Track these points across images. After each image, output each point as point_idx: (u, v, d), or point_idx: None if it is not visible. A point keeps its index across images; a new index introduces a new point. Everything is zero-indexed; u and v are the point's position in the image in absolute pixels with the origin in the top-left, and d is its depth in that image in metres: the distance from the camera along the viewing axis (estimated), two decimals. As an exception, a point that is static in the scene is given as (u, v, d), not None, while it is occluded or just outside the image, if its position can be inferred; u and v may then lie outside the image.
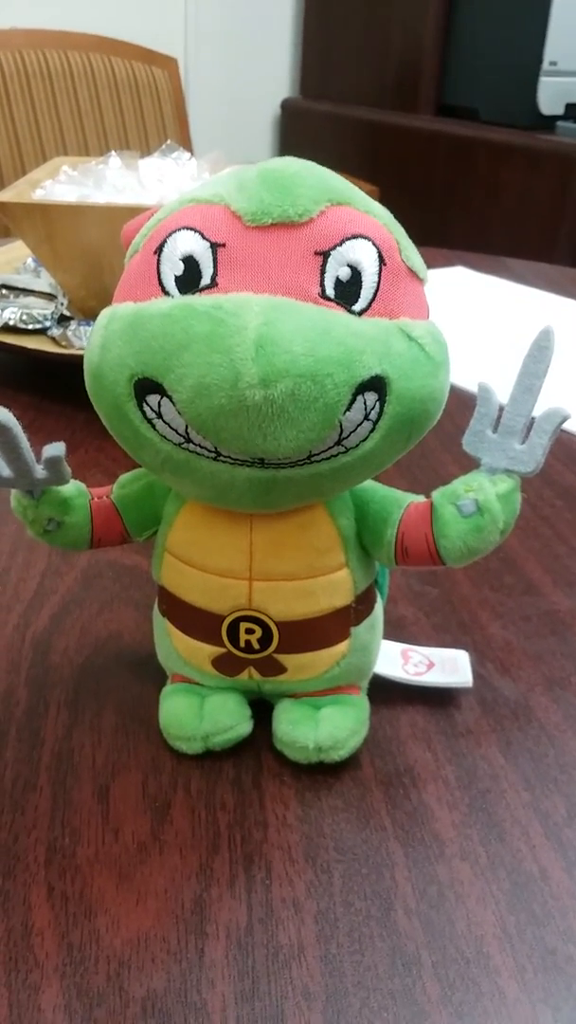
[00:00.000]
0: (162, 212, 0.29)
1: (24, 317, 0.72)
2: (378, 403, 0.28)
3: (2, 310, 0.72)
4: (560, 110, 1.86)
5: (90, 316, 0.73)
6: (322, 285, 0.27)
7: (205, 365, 0.26)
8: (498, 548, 0.32)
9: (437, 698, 0.40)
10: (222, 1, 2.20)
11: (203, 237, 0.27)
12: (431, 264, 1.18)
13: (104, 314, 0.29)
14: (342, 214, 0.28)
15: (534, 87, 1.81)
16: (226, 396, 0.26)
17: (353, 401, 0.27)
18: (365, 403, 0.27)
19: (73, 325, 0.71)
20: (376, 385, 0.27)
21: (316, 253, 0.27)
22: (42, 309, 0.73)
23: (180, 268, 0.27)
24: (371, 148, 2.08)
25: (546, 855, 0.33)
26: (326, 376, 0.26)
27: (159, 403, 0.27)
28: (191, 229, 0.27)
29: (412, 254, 0.29)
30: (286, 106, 2.36)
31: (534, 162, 1.75)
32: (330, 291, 0.27)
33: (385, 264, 0.28)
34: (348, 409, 0.27)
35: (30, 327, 0.72)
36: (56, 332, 0.71)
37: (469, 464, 0.32)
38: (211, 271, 0.27)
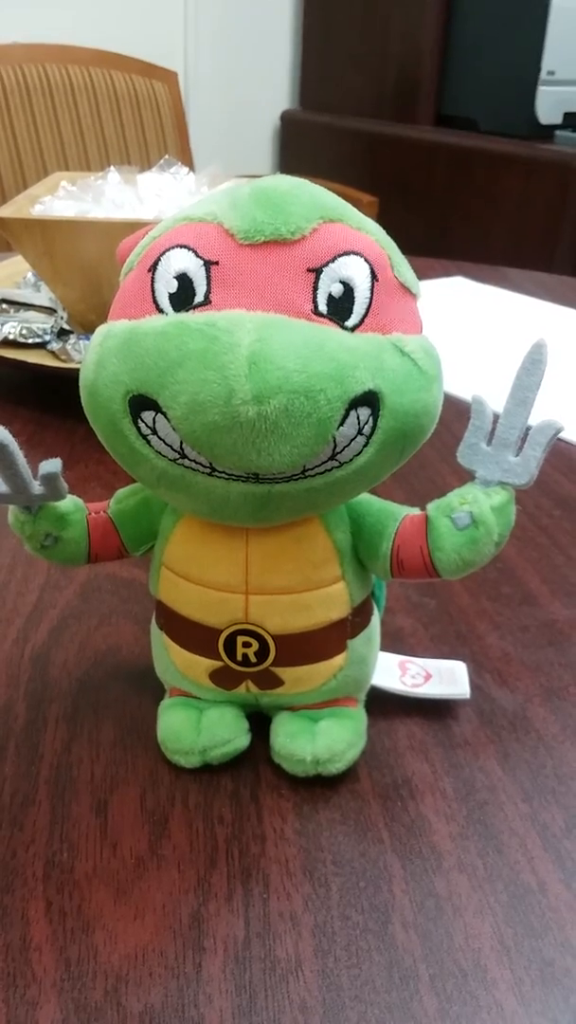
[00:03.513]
0: (156, 230, 0.30)
1: (24, 331, 0.72)
2: (371, 418, 0.28)
3: (2, 324, 0.73)
4: (558, 119, 1.86)
5: (89, 330, 0.73)
6: (315, 301, 0.27)
7: (199, 382, 0.26)
8: (496, 558, 0.32)
9: (435, 710, 0.40)
10: (221, 14, 2.21)
11: (196, 255, 0.27)
12: (430, 274, 1.18)
13: (99, 332, 0.29)
14: (334, 231, 0.28)
15: (532, 97, 1.82)
16: (220, 412, 0.26)
17: (346, 416, 0.27)
18: (358, 418, 0.27)
19: (72, 339, 0.72)
20: (369, 400, 0.27)
21: (309, 270, 0.27)
22: (42, 323, 0.74)
23: (174, 286, 0.28)
24: (370, 159, 2.09)
25: (544, 867, 0.33)
26: (319, 392, 0.26)
27: (154, 419, 0.28)
28: (185, 247, 0.28)
29: (404, 269, 0.30)
30: (285, 118, 2.37)
31: (533, 171, 1.75)
32: (323, 307, 0.27)
33: (377, 280, 0.28)
34: (341, 424, 0.27)
35: (30, 341, 0.72)
36: (56, 346, 0.71)
37: (466, 475, 0.32)
38: (204, 289, 0.27)
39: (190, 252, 0.28)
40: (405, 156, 2.00)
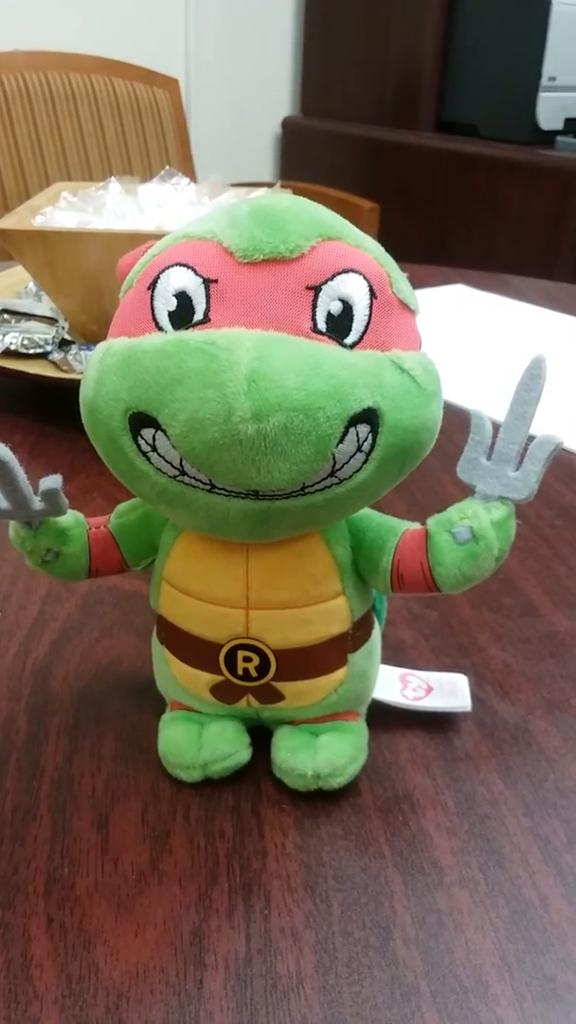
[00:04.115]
0: (155, 248, 0.30)
1: (25, 342, 0.72)
2: (370, 435, 0.28)
3: (3, 335, 0.73)
4: (559, 125, 1.87)
5: (91, 340, 0.74)
6: (314, 319, 0.27)
7: (198, 400, 0.26)
8: (497, 569, 0.32)
9: (436, 723, 0.40)
10: (222, 21, 2.21)
11: (196, 273, 0.28)
12: (431, 282, 1.19)
13: (99, 349, 0.29)
14: (333, 249, 0.28)
15: (533, 102, 1.83)
16: (219, 430, 0.26)
17: (345, 433, 0.27)
18: (357, 435, 0.27)
19: (74, 349, 0.72)
20: (368, 417, 0.27)
21: (307, 288, 0.27)
22: (43, 334, 0.74)
23: (173, 304, 0.28)
24: (371, 165, 2.09)
25: (545, 882, 0.33)
26: (318, 409, 0.26)
27: (154, 437, 0.28)
28: (184, 265, 0.28)
29: (403, 286, 0.30)
30: (287, 124, 2.38)
31: (534, 177, 1.76)
32: (322, 325, 0.27)
33: (376, 297, 0.28)
34: (341, 441, 0.27)
35: (31, 352, 0.72)
36: (57, 356, 0.71)
37: (467, 486, 0.32)
38: (204, 307, 0.27)
39: (189, 270, 0.28)
40: (406, 162, 2.00)
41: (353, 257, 0.28)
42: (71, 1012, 0.28)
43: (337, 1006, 0.28)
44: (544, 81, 1.80)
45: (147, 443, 0.28)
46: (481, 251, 1.85)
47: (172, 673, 0.36)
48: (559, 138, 1.83)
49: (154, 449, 0.28)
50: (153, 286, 0.28)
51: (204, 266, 0.28)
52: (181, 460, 0.28)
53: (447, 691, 0.40)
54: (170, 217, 0.72)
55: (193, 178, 1.56)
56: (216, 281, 0.27)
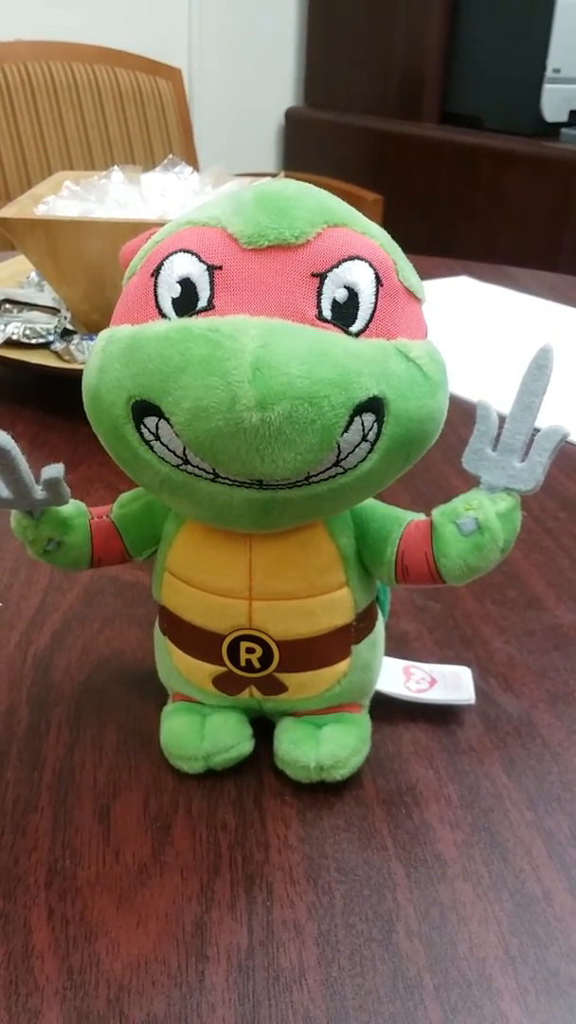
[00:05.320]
0: (159, 234, 0.29)
1: (27, 332, 0.72)
2: (376, 424, 0.28)
3: (5, 325, 0.73)
4: (564, 117, 1.86)
5: (93, 330, 0.73)
6: (319, 307, 0.27)
7: (202, 388, 0.26)
8: (502, 561, 0.32)
9: (439, 715, 0.39)
10: (226, 11, 2.20)
11: (200, 260, 0.27)
12: (435, 274, 1.18)
13: (102, 336, 0.29)
14: (339, 236, 0.28)
15: (538, 94, 1.82)
16: (223, 418, 0.26)
17: (351, 422, 0.27)
18: (363, 424, 0.27)
19: (76, 339, 0.71)
20: (374, 406, 0.27)
21: (313, 275, 0.27)
22: (45, 323, 0.74)
23: (177, 291, 0.27)
24: (375, 157, 2.09)
25: (549, 875, 0.32)
26: (323, 398, 0.26)
27: (157, 425, 0.27)
28: (188, 252, 0.27)
29: (410, 274, 0.29)
30: (290, 115, 2.37)
31: (538, 169, 1.75)
32: (327, 313, 0.27)
33: (382, 285, 0.28)
34: (346, 430, 0.27)
35: (33, 341, 0.72)
36: (59, 346, 0.71)
37: (471, 477, 0.32)
38: (208, 293, 0.27)
39: (193, 257, 0.27)
40: (410, 154, 2.00)
41: (359, 244, 0.28)
42: (72, 1004, 0.27)
43: (339, 999, 0.28)
44: (549, 73, 1.79)
45: (150, 432, 0.28)
46: (484, 243, 1.85)
47: (174, 664, 0.36)
48: (564, 130, 1.83)
49: (157, 438, 0.28)
50: (157, 273, 0.28)
51: (208, 252, 0.27)
52: (184, 449, 0.27)
53: (451, 683, 0.40)
54: (173, 206, 0.72)
55: (196, 169, 1.56)
56: (220, 268, 0.27)
